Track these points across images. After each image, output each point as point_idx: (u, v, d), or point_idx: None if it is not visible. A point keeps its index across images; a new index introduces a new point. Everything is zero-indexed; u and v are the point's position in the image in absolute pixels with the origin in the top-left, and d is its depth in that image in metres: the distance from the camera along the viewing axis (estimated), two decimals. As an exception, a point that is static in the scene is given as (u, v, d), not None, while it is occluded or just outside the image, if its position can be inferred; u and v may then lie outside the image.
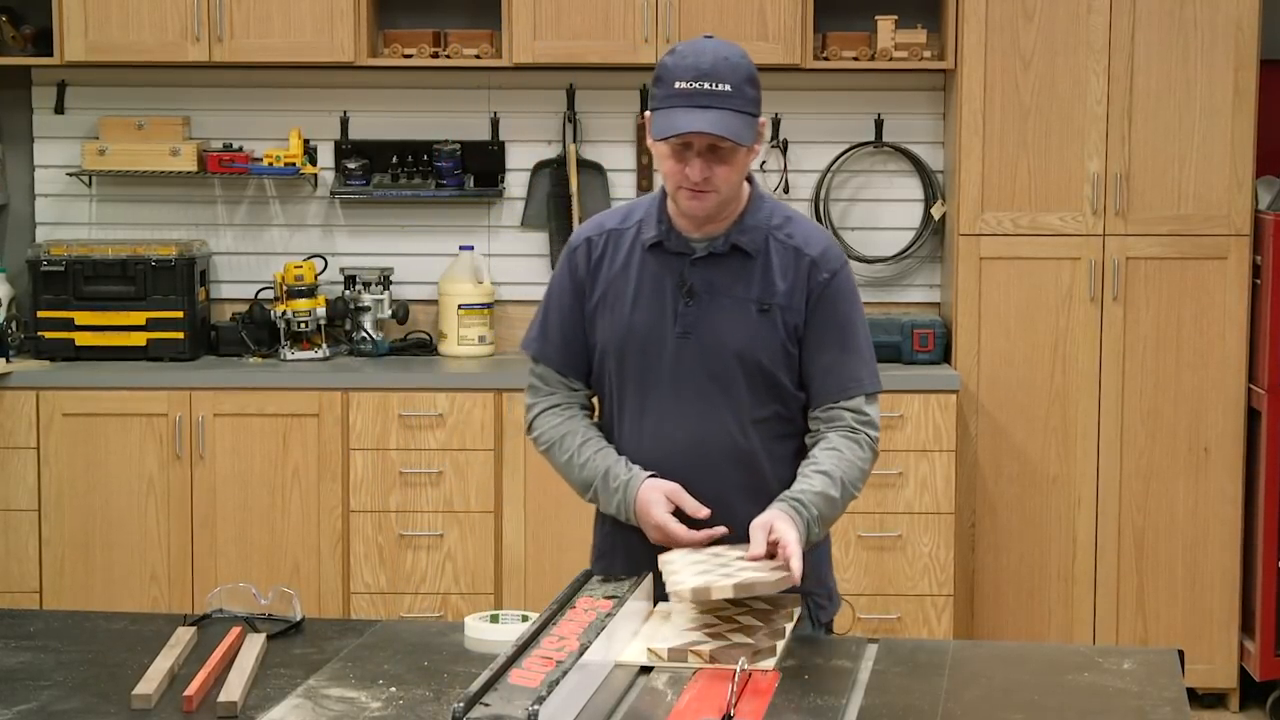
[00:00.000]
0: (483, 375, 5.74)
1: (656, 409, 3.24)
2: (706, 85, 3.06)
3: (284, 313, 5.88)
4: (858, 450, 3.19)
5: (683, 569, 2.99)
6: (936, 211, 6.01)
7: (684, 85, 3.07)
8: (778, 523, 3.03)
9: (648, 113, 3.16)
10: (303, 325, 5.88)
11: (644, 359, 3.24)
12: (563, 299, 3.32)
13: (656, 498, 3.16)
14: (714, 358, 3.20)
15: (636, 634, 2.99)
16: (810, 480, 3.13)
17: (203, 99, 6.09)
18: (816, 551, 3.23)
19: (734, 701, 2.63)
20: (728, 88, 3.07)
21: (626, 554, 3.27)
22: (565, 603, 2.96)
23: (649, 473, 3.21)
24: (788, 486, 3.15)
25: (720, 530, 3.14)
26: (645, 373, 3.24)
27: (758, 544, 3.00)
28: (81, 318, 5.82)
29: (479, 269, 6.04)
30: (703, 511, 3.14)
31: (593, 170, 6.07)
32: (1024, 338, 5.72)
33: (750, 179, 3.26)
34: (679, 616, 3.03)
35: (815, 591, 3.27)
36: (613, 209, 3.42)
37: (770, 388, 3.22)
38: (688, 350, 3.21)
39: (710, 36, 3.18)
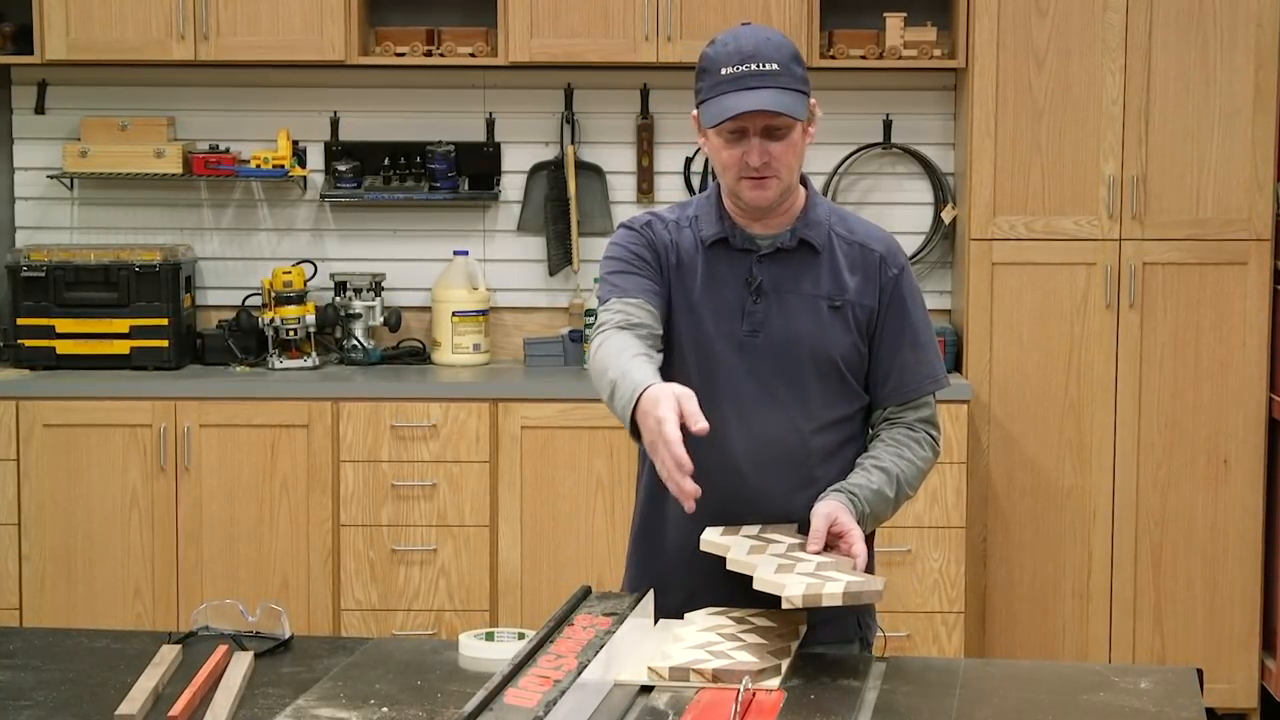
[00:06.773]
0: (478, 384, 5.69)
1: (719, 410, 3.07)
2: (754, 66, 3.03)
3: (272, 320, 5.83)
4: (918, 449, 3.18)
5: (758, 562, 2.92)
6: (947, 215, 5.96)
7: (730, 70, 3.04)
8: (841, 515, 3.00)
9: (694, 111, 3.12)
10: (291, 333, 5.84)
11: (707, 359, 3.15)
12: (633, 254, 3.12)
13: (666, 395, 2.84)
14: (784, 356, 3.13)
15: (637, 652, 2.92)
16: (868, 474, 3.10)
17: (188, 99, 6.06)
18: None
19: (739, 722, 2.62)
20: (775, 66, 3.04)
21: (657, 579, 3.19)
22: (563, 620, 2.91)
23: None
24: None
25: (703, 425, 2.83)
26: (708, 372, 3.14)
27: (819, 532, 2.97)
28: (62, 325, 5.77)
29: (474, 274, 6.00)
30: (702, 424, 2.82)
31: (591, 172, 6.04)
32: (1037, 346, 5.66)
33: (805, 180, 3.22)
34: (680, 634, 2.98)
35: (864, 612, 3.22)
36: (660, 208, 3.29)
37: (841, 387, 3.17)
38: (754, 349, 3.14)
39: (747, 23, 3.16)
